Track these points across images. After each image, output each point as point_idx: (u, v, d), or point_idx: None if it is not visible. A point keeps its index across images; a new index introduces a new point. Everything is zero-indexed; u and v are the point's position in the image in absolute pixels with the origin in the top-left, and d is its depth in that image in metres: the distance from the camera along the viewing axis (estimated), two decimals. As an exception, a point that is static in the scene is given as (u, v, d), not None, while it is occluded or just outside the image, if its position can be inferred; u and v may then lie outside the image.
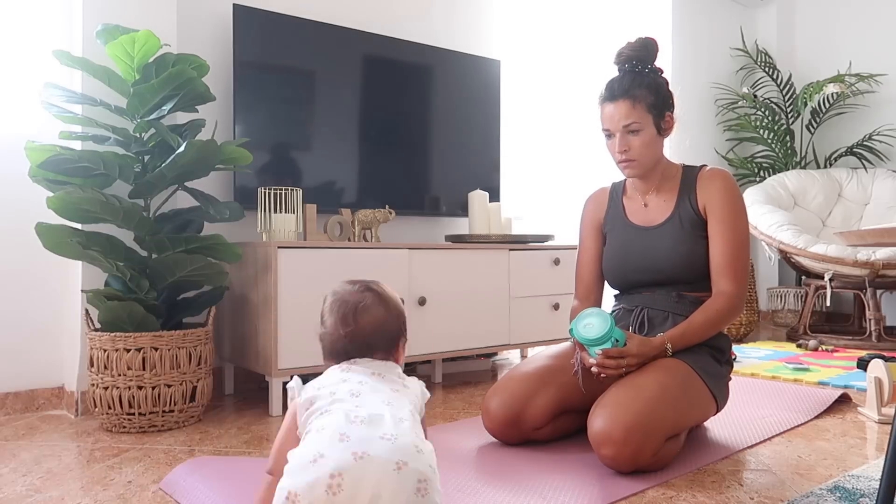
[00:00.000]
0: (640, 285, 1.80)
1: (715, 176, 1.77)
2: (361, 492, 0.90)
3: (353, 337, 1.14)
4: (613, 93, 1.73)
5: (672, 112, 1.77)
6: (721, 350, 1.74)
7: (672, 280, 1.75)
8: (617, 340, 1.56)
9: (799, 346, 3.39)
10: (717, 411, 1.73)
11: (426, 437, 1.07)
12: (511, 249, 2.72)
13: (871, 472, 1.52)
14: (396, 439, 0.96)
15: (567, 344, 1.87)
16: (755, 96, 4.41)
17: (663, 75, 1.79)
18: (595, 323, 1.57)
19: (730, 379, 1.78)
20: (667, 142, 1.83)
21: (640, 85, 1.71)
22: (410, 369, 2.84)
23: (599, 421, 1.46)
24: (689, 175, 1.80)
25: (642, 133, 1.71)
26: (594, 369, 1.58)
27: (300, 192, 2.38)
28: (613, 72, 1.80)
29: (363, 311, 1.15)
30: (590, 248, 1.94)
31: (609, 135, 1.75)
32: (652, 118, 1.71)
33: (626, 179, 1.91)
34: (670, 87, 1.79)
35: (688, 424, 1.61)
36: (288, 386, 1.12)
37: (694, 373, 1.62)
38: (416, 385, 1.14)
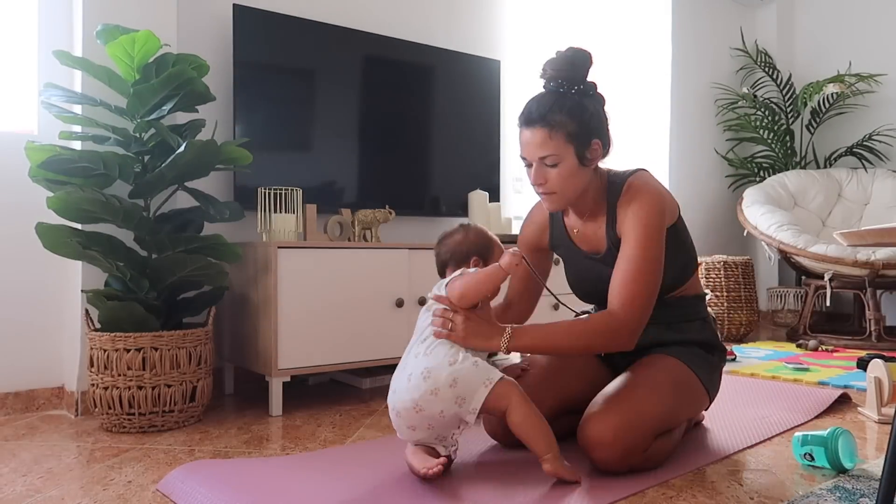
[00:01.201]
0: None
1: (631, 198, 1.57)
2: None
3: (437, 257, 1.63)
4: (530, 117, 1.53)
5: (601, 138, 1.56)
6: (709, 344, 1.71)
7: None
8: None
9: (799, 346, 3.39)
10: (710, 402, 1.72)
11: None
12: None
13: (871, 471, 1.52)
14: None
15: None
16: (755, 96, 4.41)
17: (595, 93, 1.58)
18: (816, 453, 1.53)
19: (723, 367, 1.75)
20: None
21: (561, 109, 1.50)
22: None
23: (588, 426, 1.46)
24: (613, 194, 1.62)
25: (561, 166, 1.52)
26: None
27: (300, 192, 2.38)
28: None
29: (445, 237, 1.63)
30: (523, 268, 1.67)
31: (527, 164, 1.57)
32: (573, 148, 1.51)
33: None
34: (604, 107, 1.59)
35: (680, 419, 1.60)
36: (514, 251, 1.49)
37: (685, 366, 1.61)
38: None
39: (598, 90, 1.60)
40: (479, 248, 1.59)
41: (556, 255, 1.85)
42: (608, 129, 1.60)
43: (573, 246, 1.73)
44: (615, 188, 1.62)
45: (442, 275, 1.63)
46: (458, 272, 1.54)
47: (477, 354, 1.47)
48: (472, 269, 1.53)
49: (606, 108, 1.61)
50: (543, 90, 1.58)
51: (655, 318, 1.67)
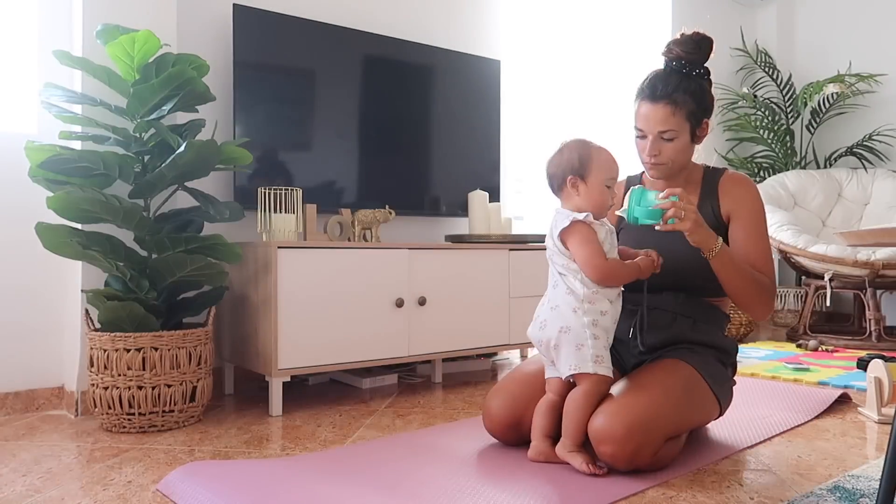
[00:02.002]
0: (650, 287, 1.72)
1: (739, 183, 1.74)
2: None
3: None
4: (655, 93, 1.65)
5: (710, 118, 1.71)
6: (727, 352, 1.74)
7: (685, 285, 1.71)
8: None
9: (799, 346, 3.39)
10: (721, 414, 1.72)
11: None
12: (511, 249, 2.72)
13: (871, 472, 1.52)
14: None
15: None
16: (755, 96, 4.41)
17: (709, 77, 1.72)
18: (640, 199, 1.52)
19: (734, 382, 1.76)
20: None
21: (686, 90, 1.64)
22: (410, 369, 2.84)
23: (601, 418, 1.46)
24: (711, 179, 1.76)
25: (676, 140, 1.65)
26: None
27: (300, 192, 2.38)
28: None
29: (549, 160, 1.62)
30: None
31: (641, 135, 1.68)
32: (689, 126, 1.66)
33: (642, 176, 1.88)
34: (713, 90, 1.73)
35: (689, 426, 1.61)
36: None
37: (698, 375, 1.61)
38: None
39: (711, 76, 1.73)
40: (574, 167, 1.56)
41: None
42: (713, 111, 1.73)
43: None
44: (714, 172, 1.78)
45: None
46: (567, 220, 1.52)
47: (595, 329, 1.52)
48: (581, 215, 1.52)
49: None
50: (665, 68, 1.70)
51: (687, 312, 1.70)
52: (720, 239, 1.57)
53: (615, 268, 1.52)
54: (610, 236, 1.56)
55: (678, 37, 1.70)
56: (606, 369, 1.51)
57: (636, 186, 1.56)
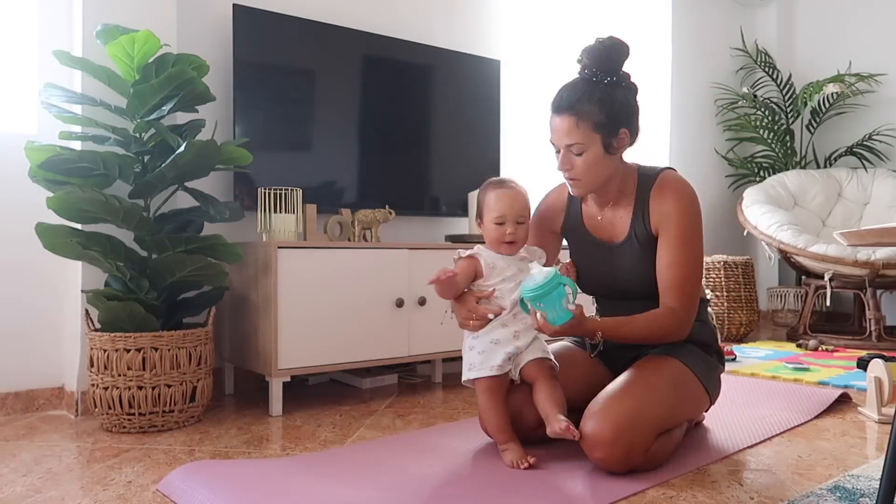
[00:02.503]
0: (615, 297, 1.74)
1: (667, 193, 1.62)
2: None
3: None
4: (560, 105, 1.58)
5: (629, 127, 1.60)
6: (706, 344, 1.73)
7: (642, 296, 1.67)
8: (565, 286, 1.44)
9: (799, 346, 3.39)
10: (711, 403, 1.72)
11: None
12: (511, 249, 2.72)
13: (871, 472, 1.52)
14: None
15: (565, 343, 1.87)
16: (755, 96, 4.41)
17: (629, 82, 1.61)
18: (536, 276, 1.45)
19: (722, 370, 1.76)
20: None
21: (590, 99, 1.54)
22: (410, 369, 2.84)
23: (589, 425, 1.46)
24: (644, 186, 1.66)
25: (586, 154, 1.57)
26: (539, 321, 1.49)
27: (300, 192, 2.38)
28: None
29: None
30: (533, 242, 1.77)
31: (556, 149, 1.62)
32: (599, 137, 1.56)
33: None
34: (635, 97, 1.62)
35: (679, 419, 1.61)
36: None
37: (684, 367, 1.61)
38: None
39: (631, 80, 1.63)
40: (479, 210, 1.69)
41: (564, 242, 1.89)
42: (637, 119, 1.63)
43: (586, 234, 1.75)
44: (646, 180, 1.67)
45: None
46: (454, 258, 1.68)
47: (475, 341, 1.62)
48: (465, 252, 1.67)
49: (638, 97, 1.64)
50: (578, 76, 1.62)
51: None
52: (598, 333, 1.55)
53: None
54: (510, 267, 1.61)
55: (591, 43, 1.60)
56: (479, 373, 1.58)
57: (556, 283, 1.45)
